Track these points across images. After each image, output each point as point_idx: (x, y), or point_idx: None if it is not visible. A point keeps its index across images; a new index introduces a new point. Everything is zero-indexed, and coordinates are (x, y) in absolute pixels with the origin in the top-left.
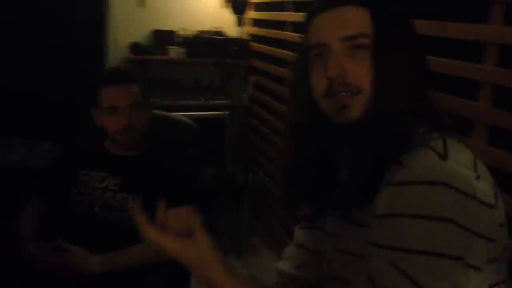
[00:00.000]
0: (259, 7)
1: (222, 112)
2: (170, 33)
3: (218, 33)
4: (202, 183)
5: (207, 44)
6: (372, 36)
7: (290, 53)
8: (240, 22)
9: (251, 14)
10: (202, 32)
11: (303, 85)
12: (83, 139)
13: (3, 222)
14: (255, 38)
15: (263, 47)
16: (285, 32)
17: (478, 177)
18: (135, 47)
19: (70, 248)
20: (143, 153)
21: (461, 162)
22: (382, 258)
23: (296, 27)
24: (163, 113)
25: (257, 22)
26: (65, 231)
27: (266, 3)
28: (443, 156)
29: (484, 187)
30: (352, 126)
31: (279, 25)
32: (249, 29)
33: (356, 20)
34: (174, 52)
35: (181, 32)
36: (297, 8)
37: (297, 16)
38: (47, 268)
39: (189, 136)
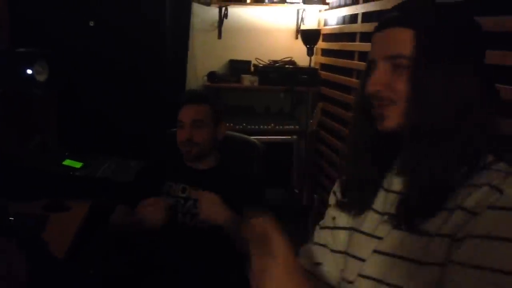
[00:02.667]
0: (328, 37)
1: (290, 137)
2: (245, 63)
3: (289, 62)
4: (265, 199)
5: (278, 72)
6: (411, 57)
7: (356, 80)
8: (310, 52)
9: (321, 44)
10: (274, 61)
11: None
12: (168, 155)
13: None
14: (324, 66)
15: (331, 75)
16: (352, 61)
17: None
18: (211, 76)
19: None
20: (216, 168)
21: None
22: (478, 279)
23: (362, 55)
24: (234, 133)
25: (326, 52)
26: (149, 235)
27: (335, 34)
28: None
29: None
30: (394, 134)
31: (346, 54)
32: (318, 59)
33: (399, 41)
34: (248, 80)
35: (254, 62)
36: (362, 38)
37: (362, 46)
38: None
39: (255, 154)
